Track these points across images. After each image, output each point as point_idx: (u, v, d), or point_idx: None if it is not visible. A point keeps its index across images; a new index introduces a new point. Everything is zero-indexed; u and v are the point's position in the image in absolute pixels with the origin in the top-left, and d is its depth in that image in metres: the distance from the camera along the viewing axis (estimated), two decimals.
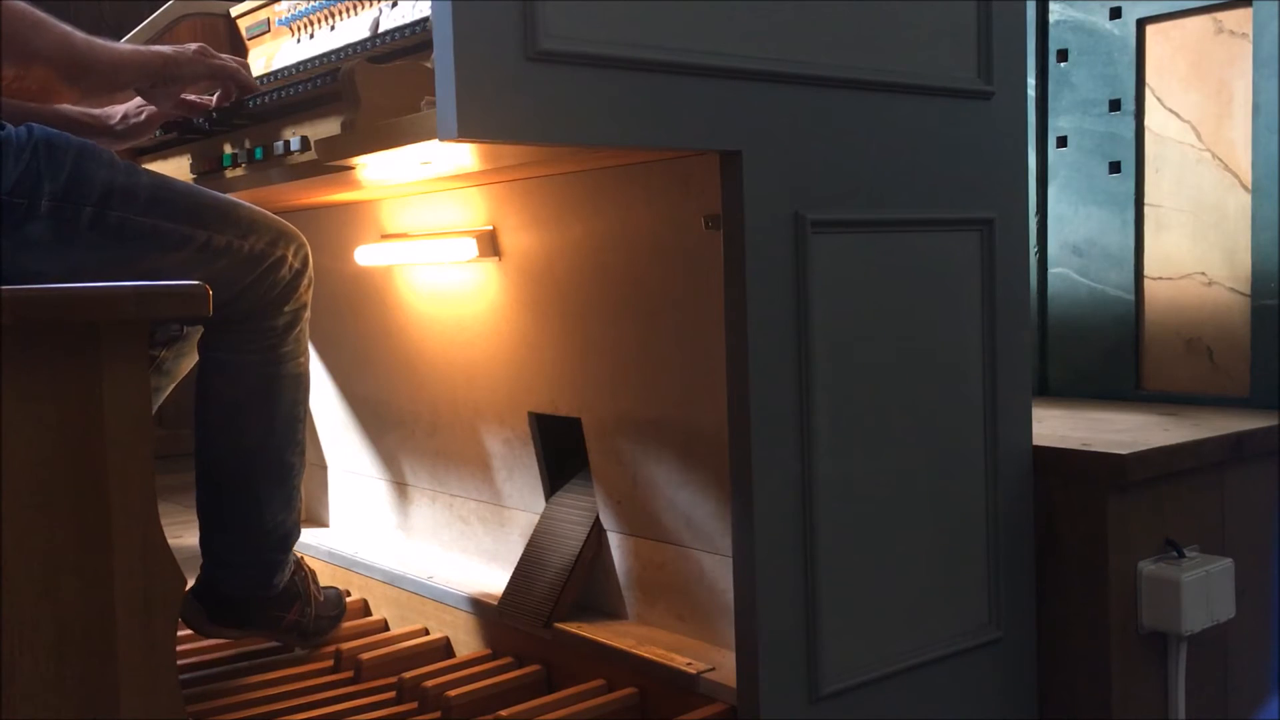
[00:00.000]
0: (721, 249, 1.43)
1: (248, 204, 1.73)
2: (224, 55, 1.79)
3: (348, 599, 2.33)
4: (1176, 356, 2.21)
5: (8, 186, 1.50)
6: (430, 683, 1.83)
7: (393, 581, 2.22)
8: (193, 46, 1.77)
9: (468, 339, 2.05)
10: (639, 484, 1.81)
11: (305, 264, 1.79)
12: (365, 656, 1.98)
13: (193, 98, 1.83)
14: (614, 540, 1.90)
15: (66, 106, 1.85)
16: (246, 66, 1.82)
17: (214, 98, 1.82)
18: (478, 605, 2.02)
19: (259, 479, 1.80)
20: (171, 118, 1.87)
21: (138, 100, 1.88)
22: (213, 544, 1.83)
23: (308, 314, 1.83)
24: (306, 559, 2.02)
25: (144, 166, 1.71)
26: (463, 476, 2.19)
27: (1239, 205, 2.11)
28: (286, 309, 1.76)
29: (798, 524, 1.47)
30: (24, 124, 1.55)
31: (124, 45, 1.72)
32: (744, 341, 1.42)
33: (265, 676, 1.94)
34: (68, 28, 1.62)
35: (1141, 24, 2.23)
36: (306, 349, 1.85)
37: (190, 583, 1.66)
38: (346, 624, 2.19)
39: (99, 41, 1.66)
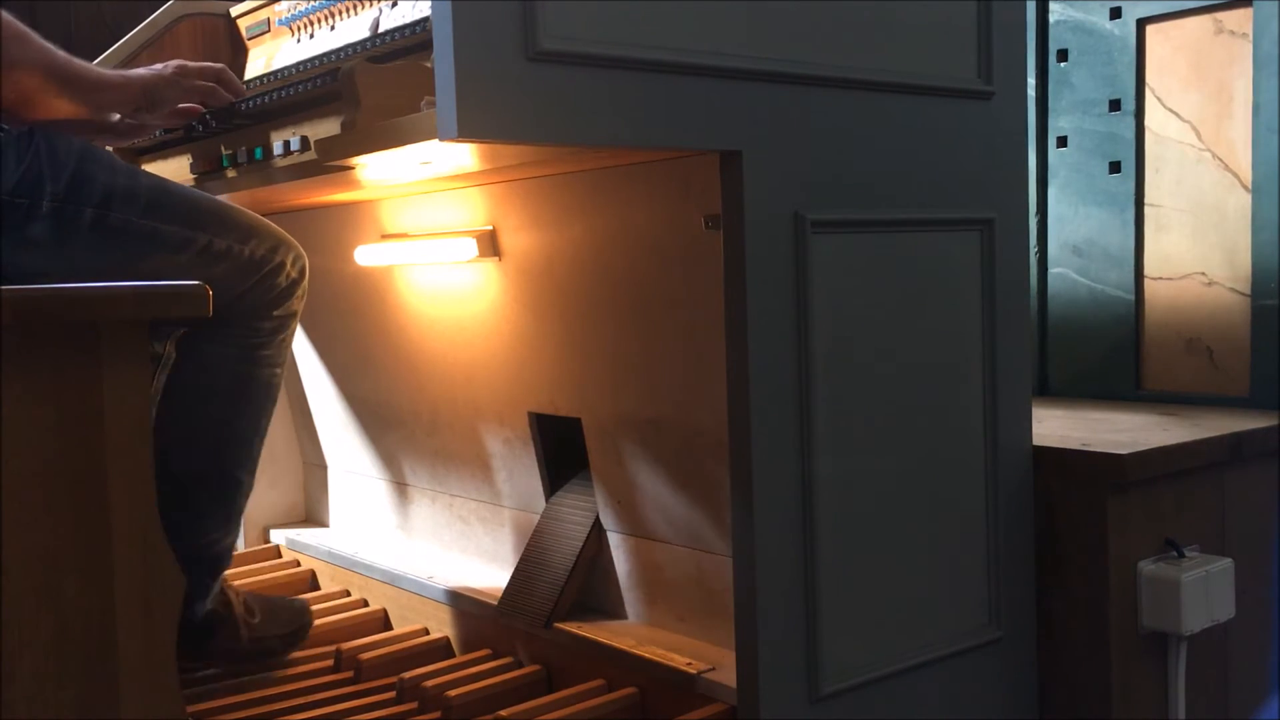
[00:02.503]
0: (721, 249, 1.43)
1: (249, 211, 1.73)
2: (202, 67, 1.77)
3: (347, 599, 2.33)
4: (1176, 356, 2.21)
5: (9, 186, 1.50)
6: (430, 683, 1.83)
7: (393, 581, 2.22)
8: (170, 67, 1.74)
9: (468, 339, 2.05)
10: (639, 484, 1.81)
11: (302, 274, 1.79)
12: (365, 656, 1.98)
13: (183, 106, 1.82)
14: (614, 540, 1.90)
15: None
16: (226, 75, 1.80)
17: (202, 108, 1.81)
18: (478, 605, 2.02)
19: (204, 485, 1.76)
20: (171, 124, 1.87)
21: None
22: None
23: (295, 325, 1.82)
24: (237, 585, 1.96)
25: (144, 169, 1.71)
26: (463, 476, 2.19)
27: (1239, 205, 2.11)
28: (276, 313, 1.76)
29: (798, 524, 1.47)
30: (26, 125, 1.55)
31: (106, 70, 1.72)
32: (744, 341, 1.42)
33: (265, 676, 1.94)
34: (50, 45, 1.61)
35: (1141, 24, 2.23)
36: (284, 361, 1.82)
37: None
38: (346, 624, 2.19)
39: (80, 62, 1.65)
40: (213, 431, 1.75)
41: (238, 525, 1.84)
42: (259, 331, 1.75)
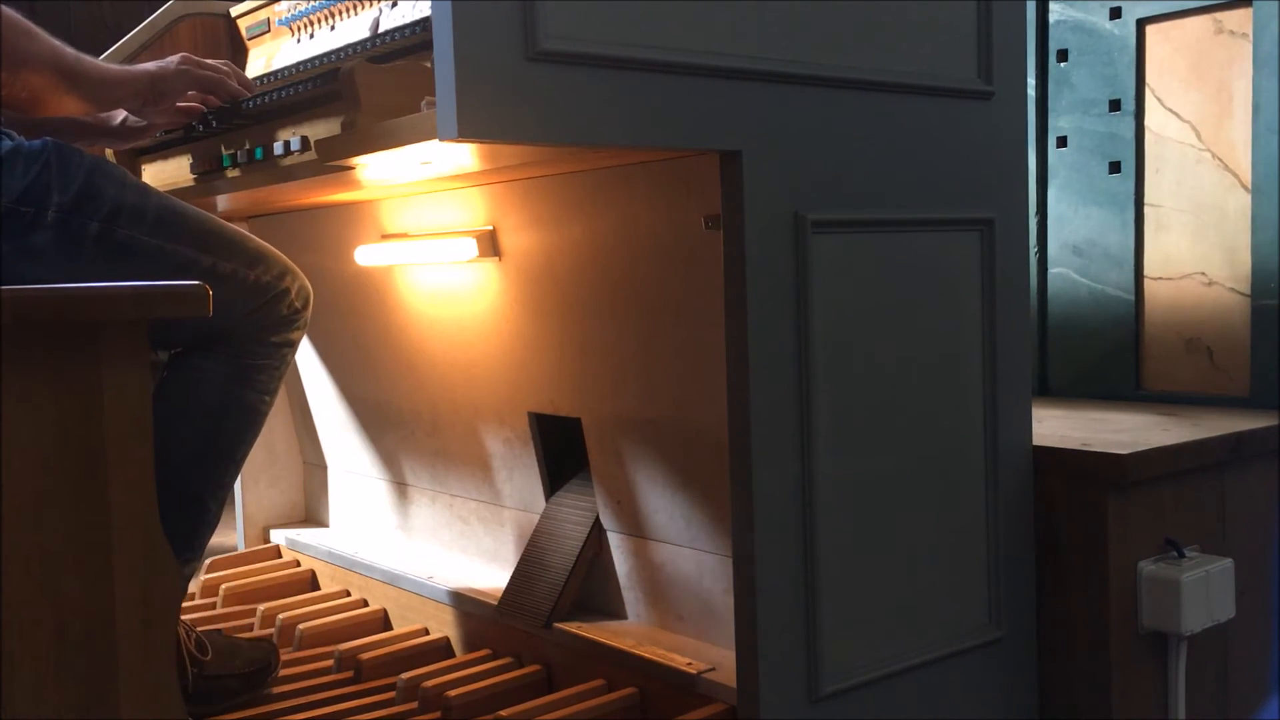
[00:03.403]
0: (721, 249, 1.43)
1: (257, 238, 1.72)
2: (210, 62, 1.78)
3: (347, 599, 2.33)
4: (1176, 356, 2.21)
5: (15, 194, 1.50)
6: (430, 683, 1.83)
7: (393, 581, 2.22)
8: (176, 59, 1.74)
9: (468, 339, 2.05)
10: (639, 484, 1.81)
11: (306, 305, 1.77)
12: (365, 656, 1.98)
13: (186, 105, 1.82)
14: (614, 540, 1.90)
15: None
16: (234, 69, 1.81)
17: (204, 106, 1.81)
18: (478, 605, 2.02)
19: (169, 504, 1.63)
20: (172, 125, 1.87)
21: None
22: None
23: (291, 356, 1.79)
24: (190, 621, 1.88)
25: (157, 189, 1.70)
26: (463, 476, 2.19)
27: (1239, 205, 2.11)
28: (274, 339, 1.74)
29: (798, 524, 1.47)
30: (40, 137, 1.55)
31: (112, 65, 1.72)
32: (744, 341, 1.42)
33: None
34: (58, 41, 1.61)
35: (1141, 24, 2.23)
36: (274, 392, 1.78)
37: None
38: (346, 624, 2.19)
39: (88, 58, 1.65)
40: (188, 448, 1.69)
41: (199, 557, 1.75)
42: (254, 354, 1.72)
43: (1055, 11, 2.36)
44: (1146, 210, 2.24)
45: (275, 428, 2.63)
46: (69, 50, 1.62)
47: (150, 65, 1.72)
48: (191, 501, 1.71)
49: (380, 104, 1.48)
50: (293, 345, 1.78)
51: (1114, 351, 2.29)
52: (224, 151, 1.88)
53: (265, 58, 2.33)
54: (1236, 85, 2.10)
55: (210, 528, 1.74)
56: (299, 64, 1.91)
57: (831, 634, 1.50)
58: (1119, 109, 2.27)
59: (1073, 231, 2.35)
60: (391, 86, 1.49)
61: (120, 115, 1.87)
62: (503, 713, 1.66)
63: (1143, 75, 2.23)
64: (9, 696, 1.10)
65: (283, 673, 1.97)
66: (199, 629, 1.91)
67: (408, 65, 1.56)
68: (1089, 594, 1.72)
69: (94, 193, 1.54)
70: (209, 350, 1.71)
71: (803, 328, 1.46)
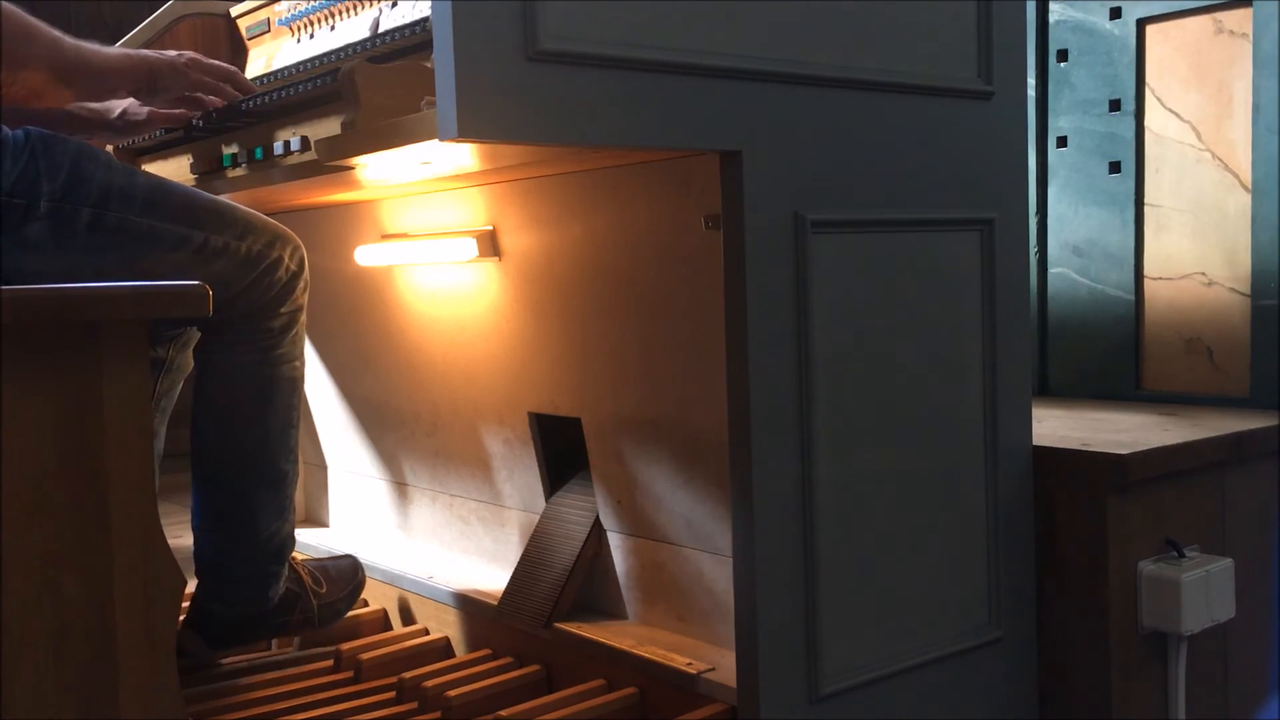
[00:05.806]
0: (721, 249, 1.43)
1: (244, 207, 1.74)
2: (214, 65, 1.78)
3: None
4: (1176, 356, 2.21)
5: (6, 187, 1.50)
6: (430, 683, 1.83)
7: (393, 581, 2.22)
8: (185, 57, 1.75)
9: (468, 339, 2.05)
10: (639, 484, 1.81)
11: (301, 266, 1.80)
12: (365, 656, 1.98)
13: (181, 109, 1.82)
14: (614, 540, 1.90)
15: None
16: (236, 75, 1.81)
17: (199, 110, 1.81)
18: (478, 605, 2.02)
19: (253, 485, 1.80)
20: (170, 122, 1.87)
21: None
22: (209, 563, 1.83)
23: (304, 317, 1.83)
24: (297, 556, 2.00)
25: (143, 169, 1.71)
26: (463, 476, 2.19)
27: (1239, 205, 2.11)
28: (283, 310, 1.77)
29: (798, 524, 1.47)
30: (21, 127, 1.55)
31: (113, 50, 1.72)
32: (744, 341, 1.42)
33: (265, 676, 1.94)
34: (57, 33, 1.61)
35: (1141, 24, 2.23)
36: (302, 353, 1.85)
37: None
38: (346, 624, 2.18)
39: (88, 46, 1.66)
40: (249, 436, 1.79)
41: (293, 510, 1.88)
42: (270, 332, 1.76)
43: (1055, 11, 2.36)
44: (1146, 210, 2.24)
45: None
46: (69, 41, 1.62)
47: (152, 54, 1.73)
48: (274, 475, 1.83)
49: (380, 104, 1.48)
50: (301, 308, 1.83)
51: (1114, 351, 2.29)
52: (224, 151, 1.88)
53: (265, 58, 2.33)
54: (1236, 85, 2.10)
55: (294, 485, 1.88)
56: (299, 64, 1.91)
57: (831, 634, 1.50)
58: (1119, 109, 2.27)
59: (1073, 231, 2.35)
60: (391, 86, 1.49)
61: (118, 108, 1.88)
62: (503, 713, 1.66)
63: (1143, 75, 2.23)
64: (9, 696, 1.10)
65: (283, 673, 1.97)
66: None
67: (408, 65, 1.56)
68: (1089, 594, 1.72)
69: (82, 178, 1.55)
70: (229, 345, 1.76)
71: (803, 328, 1.46)
